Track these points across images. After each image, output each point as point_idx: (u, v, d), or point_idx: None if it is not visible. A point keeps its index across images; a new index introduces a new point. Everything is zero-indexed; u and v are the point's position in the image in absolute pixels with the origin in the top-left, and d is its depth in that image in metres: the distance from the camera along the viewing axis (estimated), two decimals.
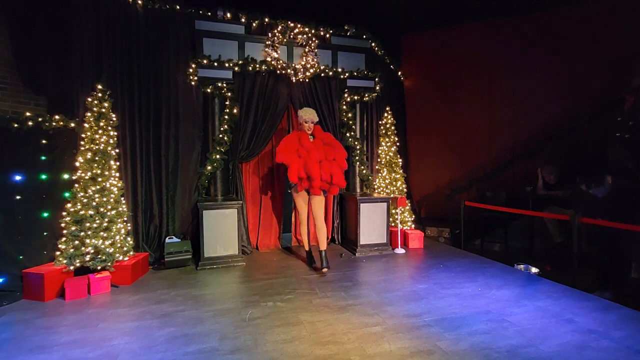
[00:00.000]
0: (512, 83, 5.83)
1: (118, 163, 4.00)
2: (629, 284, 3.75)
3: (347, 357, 2.31)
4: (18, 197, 3.43)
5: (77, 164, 3.65)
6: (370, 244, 4.89)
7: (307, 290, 3.52)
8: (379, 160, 5.75)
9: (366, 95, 5.48)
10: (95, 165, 3.65)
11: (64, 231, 3.52)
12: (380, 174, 5.65)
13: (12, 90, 3.84)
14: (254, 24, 4.89)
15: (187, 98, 4.70)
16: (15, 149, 3.44)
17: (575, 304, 3.11)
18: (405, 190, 5.61)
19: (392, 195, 5.29)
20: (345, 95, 5.35)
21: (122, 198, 3.97)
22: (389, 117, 5.68)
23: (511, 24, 5.74)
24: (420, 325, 2.73)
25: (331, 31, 5.22)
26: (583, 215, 3.79)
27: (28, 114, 3.56)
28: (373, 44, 5.66)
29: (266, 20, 4.88)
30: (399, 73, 6.40)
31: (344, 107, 5.34)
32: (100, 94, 3.80)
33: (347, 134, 5.34)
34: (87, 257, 3.53)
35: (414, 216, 5.67)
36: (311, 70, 5.03)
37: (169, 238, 4.51)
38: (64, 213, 3.54)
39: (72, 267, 3.47)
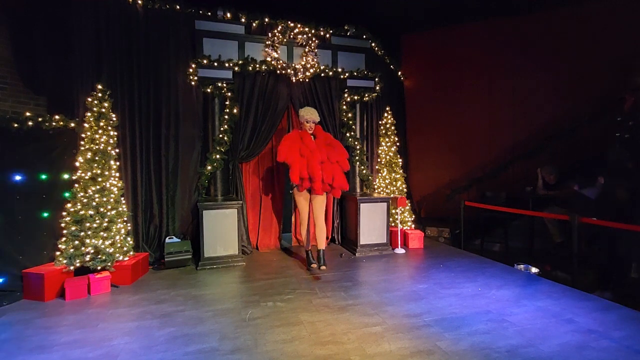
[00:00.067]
0: (512, 83, 5.83)
1: (118, 163, 4.00)
2: (629, 284, 3.75)
3: (347, 357, 2.31)
4: (18, 197, 3.43)
5: (77, 164, 3.65)
6: (370, 244, 4.89)
7: (307, 290, 3.52)
8: (379, 160, 5.75)
9: (366, 95, 5.48)
10: (95, 165, 3.65)
11: (64, 231, 3.52)
12: (380, 174, 5.65)
13: (12, 90, 3.84)
14: (254, 24, 4.89)
15: (187, 98, 4.70)
16: (15, 149, 3.44)
17: (575, 304, 3.11)
18: (405, 190, 5.61)
19: (392, 195, 5.29)
20: (345, 95, 5.35)
21: (122, 198, 3.97)
22: (389, 117, 5.68)
23: (511, 24, 5.74)
24: (420, 325, 2.73)
25: (331, 31, 5.22)
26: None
27: (28, 114, 3.56)
28: (373, 44, 5.66)
29: (266, 20, 4.89)
30: (399, 73, 6.40)
31: (344, 107, 5.34)
32: (100, 94, 3.80)
33: (347, 134, 5.34)
34: (87, 257, 3.53)
35: (414, 216, 5.67)
36: (311, 70, 5.03)
37: (169, 238, 4.51)
38: (64, 213, 3.54)
39: (72, 267, 3.48)
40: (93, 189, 3.60)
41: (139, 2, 4.36)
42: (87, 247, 3.52)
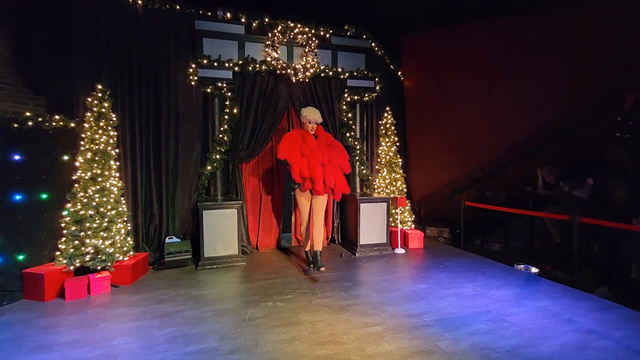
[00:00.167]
0: (512, 83, 5.83)
1: (118, 163, 4.01)
2: (629, 284, 3.75)
3: (347, 357, 2.31)
4: (18, 197, 3.42)
5: (77, 164, 3.64)
6: (370, 244, 4.89)
7: (307, 290, 3.52)
8: (379, 160, 5.75)
9: (366, 95, 5.48)
10: (95, 165, 3.65)
11: (64, 231, 3.52)
12: (380, 174, 5.65)
13: (12, 90, 3.84)
14: (254, 24, 4.89)
15: (187, 98, 4.70)
16: (15, 149, 3.44)
17: (575, 304, 3.11)
18: (405, 190, 5.61)
19: (392, 195, 5.29)
20: (345, 95, 5.35)
21: (122, 198, 3.98)
22: (389, 117, 5.68)
23: (511, 24, 5.74)
24: (420, 325, 2.73)
25: (331, 31, 5.22)
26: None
27: (28, 114, 3.56)
28: (373, 44, 5.66)
29: (266, 20, 4.88)
30: (399, 73, 6.40)
31: (344, 107, 5.34)
32: (100, 94, 3.80)
33: (347, 134, 5.34)
34: (87, 257, 3.53)
35: (414, 216, 5.67)
36: (311, 70, 5.03)
37: (169, 238, 4.50)
38: (64, 213, 3.54)
39: (72, 267, 3.48)
40: (93, 189, 3.60)
41: (139, 2, 4.36)
42: (87, 247, 3.52)
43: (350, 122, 5.35)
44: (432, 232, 5.91)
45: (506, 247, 5.39)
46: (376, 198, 4.95)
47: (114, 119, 3.93)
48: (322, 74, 5.14)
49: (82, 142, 3.72)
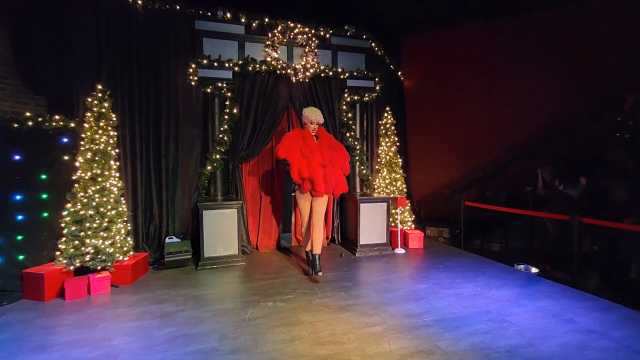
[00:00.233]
0: (512, 83, 5.83)
1: (118, 163, 4.01)
2: (629, 284, 3.75)
3: (347, 357, 2.31)
4: (18, 197, 3.42)
5: (77, 164, 3.65)
6: (370, 244, 4.89)
7: (307, 290, 3.52)
8: (379, 160, 5.75)
9: (366, 95, 5.48)
10: (95, 165, 3.65)
11: (64, 231, 3.52)
12: (380, 174, 5.66)
13: (12, 90, 3.84)
14: (254, 24, 4.89)
15: (187, 98, 4.70)
16: (15, 149, 3.44)
17: (575, 304, 3.11)
18: (405, 190, 5.62)
19: (392, 195, 5.29)
20: (345, 95, 5.35)
21: (122, 198, 3.98)
22: (389, 117, 5.68)
23: (511, 24, 5.74)
24: (420, 325, 2.73)
25: (331, 31, 5.22)
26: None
27: (28, 114, 3.56)
28: (373, 44, 5.66)
29: (266, 20, 4.89)
30: (399, 73, 6.40)
31: (344, 107, 5.34)
32: (100, 94, 3.80)
33: (347, 134, 5.34)
34: (87, 257, 3.53)
35: (414, 216, 5.67)
36: (311, 70, 5.03)
37: (169, 238, 4.51)
38: (64, 213, 3.54)
39: (72, 267, 3.48)
40: (93, 189, 3.60)
41: (139, 2, 4.36)
42: (87, 247, 3.52)
43: (350, 122, 5.35)
44: (432, 232, 5.91)
45: (506, 247, 5.39)
46: (376, 198, 4.95)
47: (114, 119, 3.93)
48: (322, 74, 5.14)
49: (82, 142, 3.72)
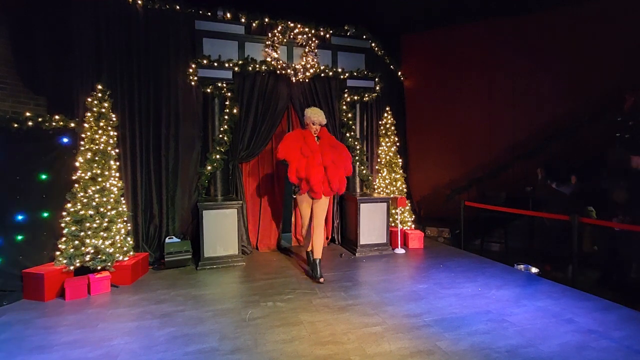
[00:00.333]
0: (512, 83, 5.83)
1: (118, 163, 4.00)
2: (629, 284, 3.75)
3: (347, 357, 2.31)
4: (18, 197, 3.42)
5: (77, 164, 3.64)
6: (370, 244, 4.89)
7: (307, 290, 3.52)
8: (379, 160, 5.76)
9: (366, 95, 5.48)
10: (95, 165, 3.65)
11: (64, 231, 3.52)
12: (380, 174, 5.66)
13: (12, 90, 3.84)
14: (254, 24, 4.89)
15: (187, 98, 4.70)
16: (15, 149, 3.44)
17: (575, 304, 3.11)
18: (405, 190, 5.62)
19: (392, 195, 5.29)
20: (345, 95, 5.35)
21: (122, 198, 3.98)
22: (389, 117, 5.68)
23: (511, 24, 5.74)
24: (420, 325, 2.73)
25: (331, 31, 5.22)
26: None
27: (28, 114, 3.56)
28: (373, 44, 5.66)
29: (266, 20, 4.89)
30: (399, 73, 6.40)
31: (344, 107, 5.34)
32: (100, 94, 3.80)
33: (347, 134, 5.34)
34: (87, 257, 3.53)
35: (414, 216, 5.67)
36: (311, 71, 5.03)
37: (169, 238, 4.51)
38: (64, 213, 3.54)
39: (72, 267, 3.48)
40: (93, 189, 3.60)
41: (139, 2, 4.36)
42: (87, 247, 3.52)
43: (350, 122, 5.35)
44: (432, 232, 5.91)
45: (506, 247, 5.39)
46: (376, 198, 4.95)
47: (114, 119, 3.93)
48: (322, 74, 5.14)
49: (82, 142, 3.72)
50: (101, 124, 3.76)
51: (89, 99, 3.78)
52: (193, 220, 4.72)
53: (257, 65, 4.79)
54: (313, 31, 5.04)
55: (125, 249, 3.84)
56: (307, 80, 5.09)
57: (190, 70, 4.59)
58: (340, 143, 4.21)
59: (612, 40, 5.04)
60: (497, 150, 5.98)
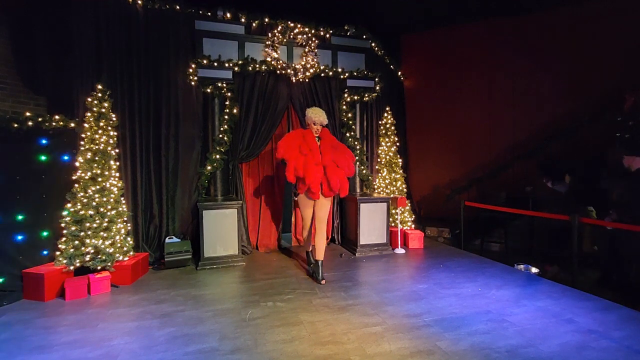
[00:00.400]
0: (512, 83, 5.83)
1: (118, 163, 4.01)
2: (629, 284, 3.74)
3: (347, 357, 2.31)
4: (18, 197, 3.42)
5: (77, 164, 3.64)
6: (370, 244, 4.89)
7: (307, 290, 3.52)
8: (379, 160, 5.76)
9: (366, 95, 5.48)
10: (95, 165, 3.65)
11: (64, 231, 3.52)
12: (380, 174, 5.66)
13: (12, 90, 3.84)
14: (254, 24, 4.89)
15: (187, 98, 4.70)
16: (15, 149, 3.44)
17: (575, 304, 3.11)
18: (405, 190, 5.62)
19: (392, 195, 5.29)
20: (345, 95, 5.35)
21: (122, 198, 3.98)
22: (389, 117, 5.68)
23: (511, 24, 5.74)
24: (420, 325, 2.73)
25: (331, 31, 5.22)
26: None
27: (28, 114, 3.56)
28: (373, 44, 5.66)
29: (266, 20, 4.89)
30: (399, 73, 6.41)
31: (344, 107, 5.34)
32: (100, 94, 3.80)
33: (347, 134, 5.34)
34: (87, 257, 3.53)
35: (414, 216, 5.67)
36: (311, 70, 5.03)
37: (169, 238, 4.51)
38: (64, 213, 3.54)
39: (72, 267, 3.48)
40: (93, 189, 3.60)
41: (139, 2, 4.36)
42: (87, 247, 3.52)
43: (350, 122, 5.35)
44: (432, 232, 5.91)
45: (506, 247, 5.39)
46: (376, 198, 4.95)
47: (114, 119, 3.93)
48: (322, 74, 5.14)
49: (82, 142, 3.72)
50: (101, 124, 3.76)
51: (89, 99, 3.78)
52: (193, 220, 4.72)
53: (257, 65, 4.79)
54: (313, 31, 5.04)
55: (125, 249, 3.84)
56: (307, 80, 5.09)
57: (190, 70, 4.59)
58: (342, 144, 4.18)
59: (612, 40, 5.04)
60: (497, 150, 5.98)
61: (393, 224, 5.20)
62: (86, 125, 3.72)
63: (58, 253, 3.50)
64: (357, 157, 5.37)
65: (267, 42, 4.88)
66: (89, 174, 3.61)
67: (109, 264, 3.60)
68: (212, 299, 3.31)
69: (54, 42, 4.00)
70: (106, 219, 3.65)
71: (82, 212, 3.52)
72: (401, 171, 5.63)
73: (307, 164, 3.66)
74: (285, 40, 4.94)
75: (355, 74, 5.31)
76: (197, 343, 2.49)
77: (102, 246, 3.58)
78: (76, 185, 3.60)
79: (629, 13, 4.88)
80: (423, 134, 6.53)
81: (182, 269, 4.24)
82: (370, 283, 3.72)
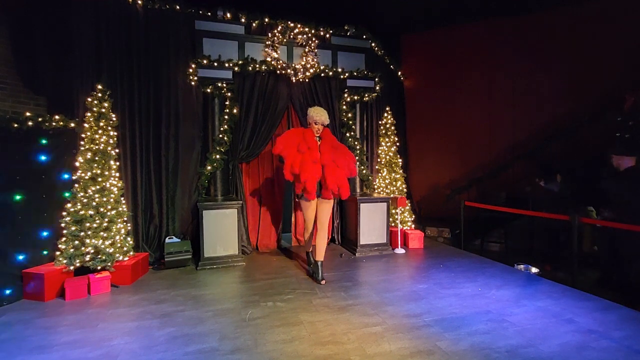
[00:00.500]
0: (512, 83, 5.83)
1: (118, 163, 4.01)
2: (629, 284, 3.74)
3: (347, 357, 2.31)
4: (18, 197, 3.42)
5: (77, 164, 3.64)
6: (370, 244, 4.89)
7: (307, 290, 3.52)
8: (379, 160, 5.76)
9: (366, 95, 5.48)
10: (95, 165, 3.65)
11: (64, 231, 3.52)
12: (380, 174, 5.66)
13: (12, 90, 3.84)
14: (254, 24, 4.89)
15: (187, 98, 4.70)
16: (15, 149, 3.44)
17: (575, 304, 3.11)
18: (405, 190, 5.62)
19: (392, 195, 5.29)
20: (345, 95, 5.35)
21: (122, 198, 3.97)
22: (389, 117, 5.68)
23: (511, 24, 5.74)
24: (420, 325, 2.73)
25: (331, 31, 5.22)
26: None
27: (28, 114, 3.56)
28: (373, 44, 5.66)
29: (266, 20, 4.89)
30: (399, 73, 6.40)
31: (344, 107, 5.34)
32: (100, 94, 3.80)
33: (347, 134, 5.34)
34: (87, 257, 3.53)
35: (414, 216, 5.67)
36: (311, 70, 5.03)
37: (169, 238, 4.51)
38: (64, 213, 3.54)
39: (72, 267, 3.48)
40: (93, 189, 3.60)
41: (139, 2, 4.36)
42: (87, 247, 3.52)
43: (350, 122, 5.35)
44: (432, 232, 5.91)
45: (506, 247, 5.39)
46: (376, 198, 4.95)
47: (114, 119, 3.93)
48: (322, 74, 5.14)
49: (82, 142, 3.72)
50: (101, 124, 3.76)
51: (89, 99, 3.78)
52: (193, 220, 4.72)
53: (257, 65, 4.79)
54: (313, 31, 5.04)
55: (125, 249, 3.84)
56: (307, 80, 5.09)
57: (190, 70, 4.59)
58: (343, 145, 4.17)
59: (612, 40, 5.03)
60: (497, 150, 5.98)
61: (393, 224, 5.20)
62: (86, 125, 3.72)
63: (58, 253, 3.50)
64: (357, 157, 5.38)
65: (267, 42, 4.88)
66: (89, 174, 3.61)
67: (109, 264, 3.60)
68: (212, 299, 3.31)
69: (54, 42, 3.99)
70: (106, 219, 3.65)
71: (82, 212, 3.52)
72: (401, 171, 5.63)
73: (304, 162, 3.62)
74: (285, 40, 4.94)
75: (355, 74, 5.31)
76: (197, 343, 2.49)
77: (102, 246, 3.58)
78: (76, 185, 3.60)
79: (629, 13, 4.88)
80: (423, 134, 6.53)
81: (182, 269, 4.24)
82: (370, 283, 3.72)
